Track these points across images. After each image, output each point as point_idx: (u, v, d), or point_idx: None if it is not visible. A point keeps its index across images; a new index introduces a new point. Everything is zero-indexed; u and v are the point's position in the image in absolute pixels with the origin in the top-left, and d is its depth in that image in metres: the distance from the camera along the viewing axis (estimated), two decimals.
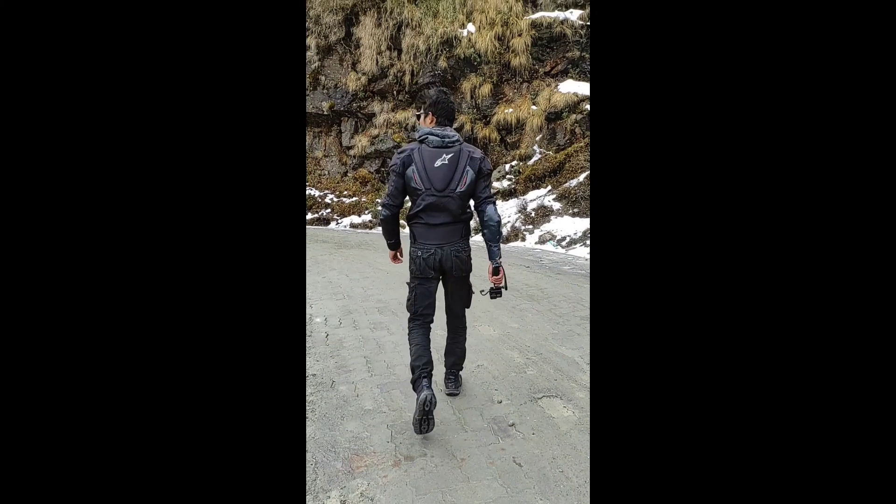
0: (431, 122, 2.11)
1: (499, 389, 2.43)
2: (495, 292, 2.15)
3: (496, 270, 2.11)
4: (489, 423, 2.10)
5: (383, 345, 3.07)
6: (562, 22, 9.44)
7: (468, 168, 2.02)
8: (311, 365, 2.76)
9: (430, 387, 1.98)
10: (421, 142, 2.06)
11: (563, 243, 7.17)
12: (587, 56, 9.34)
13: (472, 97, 10.05)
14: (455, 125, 10.32)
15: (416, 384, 2.02)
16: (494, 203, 2.09)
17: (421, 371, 2.02)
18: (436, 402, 1.96)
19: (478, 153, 2.08)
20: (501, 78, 9.90)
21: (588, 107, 8.91)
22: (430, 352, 2.10)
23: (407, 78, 10.57)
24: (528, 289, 4.46)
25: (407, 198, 2.13)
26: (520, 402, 2.29)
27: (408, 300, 2.17)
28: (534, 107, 9.49)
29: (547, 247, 7.22)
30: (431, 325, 2.17)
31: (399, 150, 2.09)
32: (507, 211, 8.62)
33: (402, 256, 2.32)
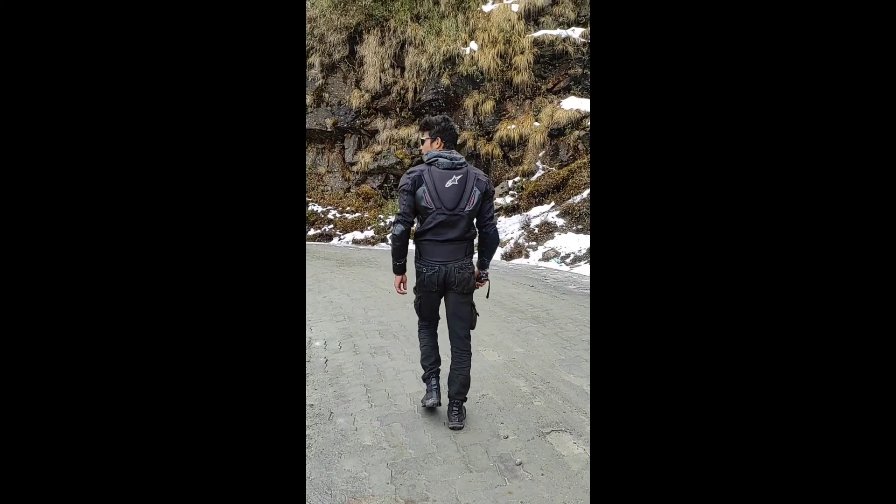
0: (439, 146, 2.22)
1: (505, 423, 2.30)
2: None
3: (481, 277, 2.31)
4: (495, 462, 1.97)
5: (384, 371, 2.94)
6: (564, 40, 9.46)
7: (475, 188, 2.13)
8: (310, 394, 2.64)
9: (436, 388, 2.30)
10: (430, 164, 2.15)
11: (568, 260, 7.06)
12: (589, 73, 9.32)
13: (474, 114, 10.03)
14: (458, 141, 10.13)
15: (426, 380, 2.32)
16: (496, 224, 2.24)
17: (430, 370, 2.31)
18: (440, 404, 2.31)
19: (483, 176, 2.20)
20: (504, 95, 9.89)
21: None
22: (438, 350, 2.35)
23: (410, 95, 10.57)
24: (532, 310, 4.33)
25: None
26: (527, 438, 2.16)
27: (415, 303, 2.32)
28: (536, 123, 9.45)
29: (551, 264, 7.10)
30: (438, 323, 2.36)
31: (408, 171, 2.17)
32: (509, 227, 8.53)
33: (405, 288, 2.33)
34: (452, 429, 2.21)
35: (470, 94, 10.02)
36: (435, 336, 2.34)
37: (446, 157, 2.13)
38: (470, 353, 2.26)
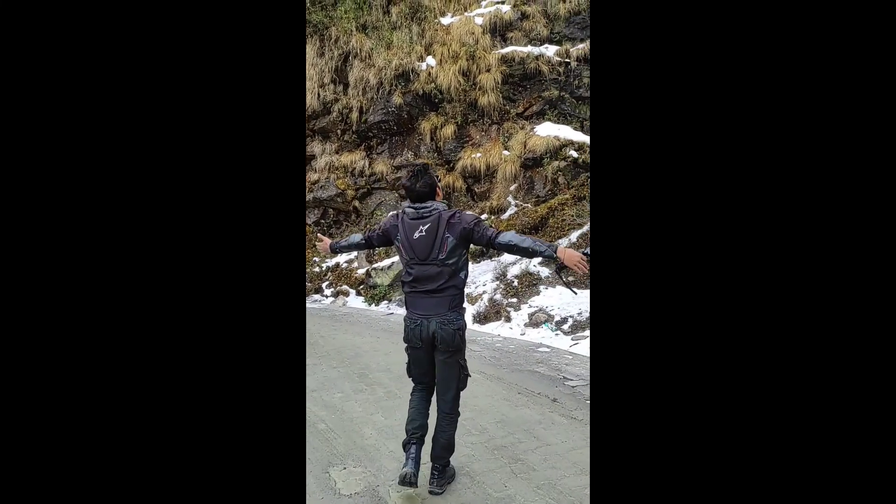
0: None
1: None
2: (563, 269, 1.94)
3: (562, 259, 1.84)
4: None
5: None
6: (536, 58, 7.77)
7: (447, 234, 1.95)
8: None
9: (414, 457, 1.97)
10: (404, 213, 2.10)
11: (565, 327, 5.02)
12: (567, 96, 7.65)
13: (432, 139, 8.03)
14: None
15: (405, 447, 2.03)
16: (501, 234, 1.92)
17: (411, 435, 2.02)
18: (415, 481, 1.95)
19: (454, 217, 1.96)
20: (467, 118, 7.98)
21: (573, 153, 7.10)
22: (426, 415, 2.05)
23: (354, 115, 8.43)
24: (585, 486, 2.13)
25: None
26: None
27: (406, 364, 2.12)
28: (506, 152, 7.58)
29: (543, 332, 5.03)
30: (433, 389, 2.09)
31: (392, 212, 2.19)
32: (480, 277, 6.43)
33: (325, 246, 2.28)
34: (431, 493, 2.03)
35: (427, 116, 8.03)
36: (426, 400, 2.07)
37: (414, 209, 2.00)
38: (456, 415, 2.06)
